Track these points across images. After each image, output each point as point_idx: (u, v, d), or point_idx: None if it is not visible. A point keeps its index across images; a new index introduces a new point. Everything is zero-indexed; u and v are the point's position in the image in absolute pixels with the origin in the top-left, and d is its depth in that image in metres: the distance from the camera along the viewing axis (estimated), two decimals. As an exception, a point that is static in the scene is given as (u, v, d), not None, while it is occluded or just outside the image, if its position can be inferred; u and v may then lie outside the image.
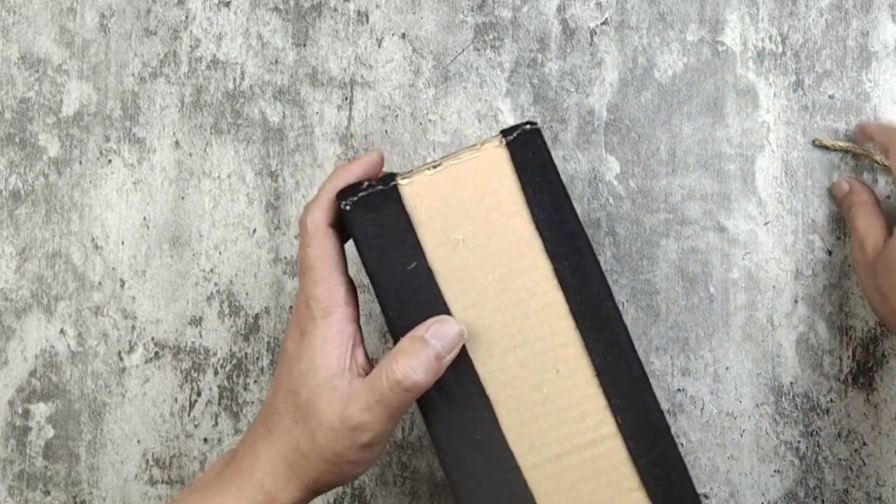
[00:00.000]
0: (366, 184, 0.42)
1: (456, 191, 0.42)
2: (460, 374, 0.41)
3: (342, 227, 0.44)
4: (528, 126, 0.42)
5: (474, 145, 0.42)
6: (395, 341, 0.42)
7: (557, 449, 0.41)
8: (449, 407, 0.41)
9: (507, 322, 0.41)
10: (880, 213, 0.51)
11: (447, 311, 0.42)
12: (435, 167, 0.42)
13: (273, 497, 0.42)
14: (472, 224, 0.42)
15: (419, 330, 0.41)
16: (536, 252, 0.42)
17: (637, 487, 0.41)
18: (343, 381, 0.41)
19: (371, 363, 0.43)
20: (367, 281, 0.56)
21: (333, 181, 0.44)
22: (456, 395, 0.41)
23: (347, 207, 0.42)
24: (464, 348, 0.41)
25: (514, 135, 0.42)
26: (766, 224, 0.55)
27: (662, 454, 0.41)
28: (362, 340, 0.43)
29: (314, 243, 0.43)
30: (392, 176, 0.42)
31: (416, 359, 0.40)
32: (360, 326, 0.43)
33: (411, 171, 0.42)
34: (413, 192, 0.42)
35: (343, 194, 0.43)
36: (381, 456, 0.43)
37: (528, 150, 0.42)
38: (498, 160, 0.42)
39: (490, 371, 0.41)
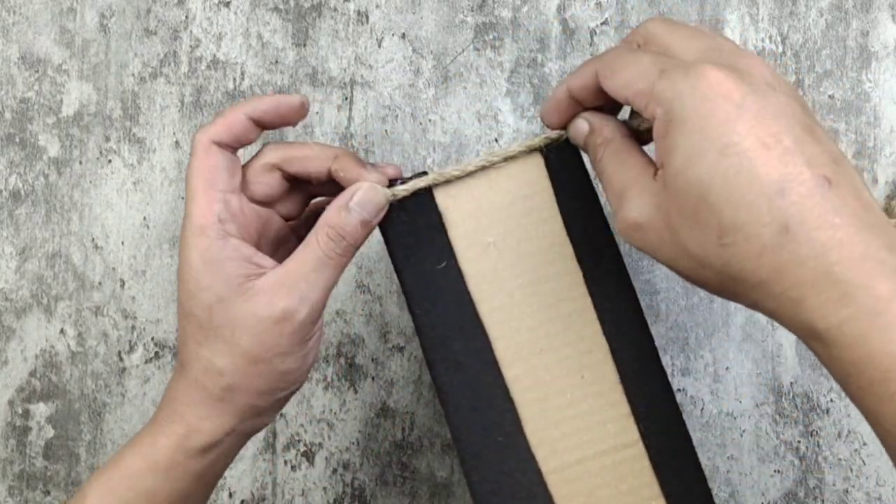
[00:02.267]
0: (399, 181, 0.42)
1: (488, 194, 0.42)
2: (485, 376, 0.41)
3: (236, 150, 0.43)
4: (563, 143, 0.42)
5: (508, 149, 0.42)
6: (421, 340, 0.42)
7: (579, 454, 0.41)
8: (472, 408, 0.41)
9: (535, 326, 0.42)
10: (639, 150, 0.38)
11: (474, 312, 0.42)
12: (470, 173, 0.42)
13: (195, 428, 0.40)
14: (504, 227, 0.42)
15: (342, 198, 0.41)
16: (567, 258, 0.42)
17: (657, 496, 0.41)
18: (253, 281, 0.39)
19: (275, 259, 0.41)
20: (366, 281, 0.56)
21: (240, 108, 0.41)
22: (480, 396, 0.41)
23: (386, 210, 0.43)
24: (490, 350, 0.41)
25: (550, 150, 0.42)
26: (766, 224, 0.55)
27: (684, 465, 0.41)
28: (262, 252, 0.41)
29: (195, 158, 0.40)
30: (424, 174, 0.43)
31: (344, 228, 0.40)
32: (252, 242, 0.41)
33: (444, 172, 0.42)
34: (446, 195, 0.42)
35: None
36: (317, 348, 0.42)
37: (563, 157, 0.42)
38: (533, 166, 0.42)
39: (515, 374, 0.42)
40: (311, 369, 0.43)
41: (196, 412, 0.40)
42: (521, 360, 0.42)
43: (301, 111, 0.43)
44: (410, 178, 0.42)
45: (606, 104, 0.39)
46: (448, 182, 0.42)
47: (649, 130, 0.37)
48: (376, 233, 0.43)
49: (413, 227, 0.42)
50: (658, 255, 0.35)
